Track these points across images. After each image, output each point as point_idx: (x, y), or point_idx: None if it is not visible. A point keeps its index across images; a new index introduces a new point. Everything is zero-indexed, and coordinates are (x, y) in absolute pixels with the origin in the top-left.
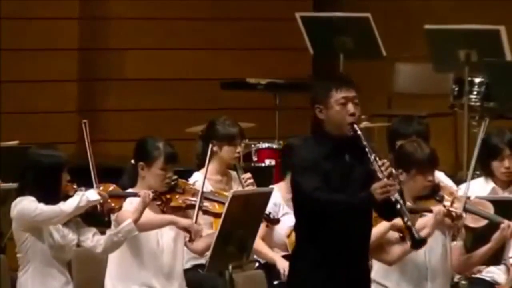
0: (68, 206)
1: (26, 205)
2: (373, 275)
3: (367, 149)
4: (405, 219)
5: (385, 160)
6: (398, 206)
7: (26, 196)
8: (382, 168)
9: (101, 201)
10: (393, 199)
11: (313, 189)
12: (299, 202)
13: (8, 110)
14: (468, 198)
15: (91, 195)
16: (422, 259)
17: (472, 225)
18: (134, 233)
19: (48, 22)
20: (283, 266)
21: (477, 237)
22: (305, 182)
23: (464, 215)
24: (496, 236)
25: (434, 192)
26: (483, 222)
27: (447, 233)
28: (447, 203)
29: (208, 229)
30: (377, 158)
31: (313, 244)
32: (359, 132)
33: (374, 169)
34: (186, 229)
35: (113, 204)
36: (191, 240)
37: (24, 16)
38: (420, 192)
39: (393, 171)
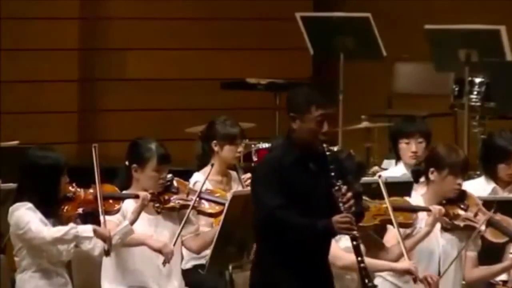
0: (50, 234)
1: (20, 216)
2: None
3: (332, 174)
4: (359, 258)
5: (346, 190)
6: (355, 243)
7: (24, 200)
8: (344, 200)
9: (93, 237)
10: (352, 236)
11: (276, 206)
12: (258, 215)
13: (8, 110)
14: (494, 212)
15: (84, 230)
16: (436, 263)
17: (492, 239)
18: (132, 234)
19: (48, 22)
20: None
21: (491, 250)
22: (267, 196)
23: (483, 228)
24: None
25: (460, 200)
26: (504, 239)
27: (464, 240)
28: (470, 214)
29: (209, 229)
30: (341, 187)
31: (273, 254)
32: (328, 152)
33: (335, 195)
34: (158, 251)
35: (116, 207)
36: (164, 262)
37: (24, 16)
38: (447, 195)
39: (353, 208)
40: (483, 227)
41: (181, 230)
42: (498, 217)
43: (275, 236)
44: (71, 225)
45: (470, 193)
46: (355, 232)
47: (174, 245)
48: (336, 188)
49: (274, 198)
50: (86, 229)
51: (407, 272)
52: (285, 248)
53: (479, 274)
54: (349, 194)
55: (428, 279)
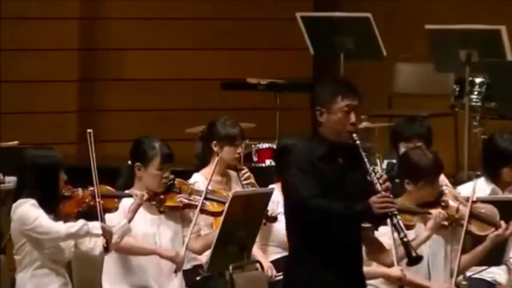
0: (65, 230)
1: (26, 212)
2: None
3: (365, 160)
4: (401, 234)
5: (383, 174)
6: (395, 220)
7: (26, 198)
8: (380, 181)
9: (101, 236)
10: (390, 214)
11: (311, 195)
12: (294, 206)
13: (8, 110)
14: (474, 202)
15: (94, 227)
16: (425, 264)
17: (478, 233)
18: (129, 233)
19: (48, 22)
20: (267, 265)
21: (478, 242)
22: (302, 186)
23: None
24: (492, 235)
25: (439, 198)
26: (489, 231)
27: (448, 237)
28: (453, 208)
29: (208, 229)
30: (376, 170)
31: (309, 248)
32: (358, 142)
33: (371, 181)
34: (170, 259)
35: (114, 206)
36: (176, 271)
37: (24, 16)
38: (427, 200)
39: (390, 185)
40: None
41: (191, 233)
42: (480, 206)
43: (312, 227)
44: (82, 221)
45: (448, 189)
46: (393, 210)
47: (184, 252)
48: (370, 172)
49: (310, 188)
50: (96, 226)
51: (399, 280)
52: (320, 241)
53: (464, 261)
54: (384, 176)
55: None
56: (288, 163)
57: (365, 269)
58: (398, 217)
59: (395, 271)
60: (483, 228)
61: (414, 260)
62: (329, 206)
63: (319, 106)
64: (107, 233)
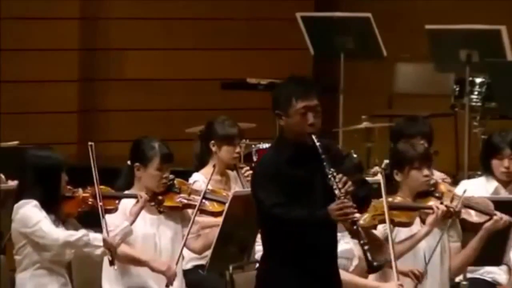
0: (63, 238)
1: (27, 214)
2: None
3: (324, 163)
4: (361, 241)
5: (342, 176)
6: (355, 227)
7: (28, 198)
8: (339, 185)
9: (103, 248)
10: (351, 221)
11: (272, 205)
12: (259, 215)
13: (8, 110)
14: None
15: (95, 239)
16: (421, 258)
17: (472, 220)
18: (131, 235)
19: (48, 22)
20: None
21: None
22: (265, 196)
23: (463, 211)
24: (487, 225)
25: (433, 190)
26: (485, 218)
27: (446, 231)
28: (447, 200)
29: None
30: (335, 174)
31: (278, 249)
32: (317, 143)
33: (331, 184)
34: (161, 273)
35: (114, 206)
36: (167, 285)
37: (24, 16)
38: (419, 189)
39: (350, 188)
40: (463, 210)
41: (188, 233)
42: (474, 198)
43: (278, 233)
44: (83, 231)
45: (441, 182)
46: (354, 216)
47: (177, 264)
48: (329, 176)
49: (271, 197)
50: (97, 238)
51: None
52: (290, 246)
53: (462, 256)
54: (344, 178)
55: (415, 272)
56: (255, 170)
57: (358, 280)
58: (359, 222)
59: (388, 286)
60: (478, 216)
61: (373, 268)
62: (290, 215)
63: (277, 110)
64: (109, 246)
